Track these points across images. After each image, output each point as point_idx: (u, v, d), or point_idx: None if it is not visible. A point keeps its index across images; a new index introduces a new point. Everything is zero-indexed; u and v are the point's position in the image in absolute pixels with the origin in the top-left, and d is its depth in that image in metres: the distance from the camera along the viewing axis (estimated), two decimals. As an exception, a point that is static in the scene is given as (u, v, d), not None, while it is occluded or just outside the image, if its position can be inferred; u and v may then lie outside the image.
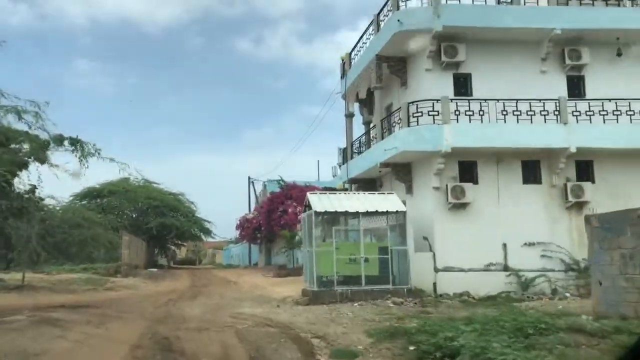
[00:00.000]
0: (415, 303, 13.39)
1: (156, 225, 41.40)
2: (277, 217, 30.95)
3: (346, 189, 21.49)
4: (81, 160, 14.15)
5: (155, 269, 34.58)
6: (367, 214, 14.51)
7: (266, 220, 32.51)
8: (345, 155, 21.65)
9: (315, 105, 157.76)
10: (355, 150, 20.76)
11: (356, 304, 13.17)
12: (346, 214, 14.43)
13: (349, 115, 20.70)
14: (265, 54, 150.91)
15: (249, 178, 48.60)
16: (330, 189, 35.64)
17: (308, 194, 14.95)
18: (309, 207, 14.71)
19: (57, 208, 32.35)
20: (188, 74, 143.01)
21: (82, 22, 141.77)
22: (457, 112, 15.20)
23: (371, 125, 21.22)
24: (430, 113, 15.12)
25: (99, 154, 14.29)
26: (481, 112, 15.20)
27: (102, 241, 30.37)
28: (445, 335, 8.06)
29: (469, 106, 15.24)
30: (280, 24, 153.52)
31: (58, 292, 18.34)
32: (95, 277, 23.25)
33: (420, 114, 15.20)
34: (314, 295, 13.76)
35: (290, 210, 29.95)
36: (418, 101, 15.29)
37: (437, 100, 15.13)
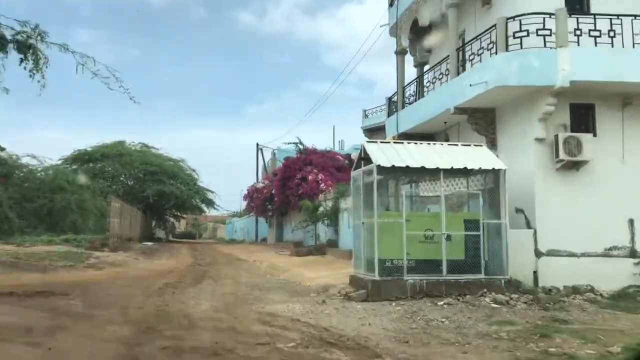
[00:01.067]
0: (527, 303, 9.15)
1: (153, 193, 37.06)
2: (294, 185, 26.64)
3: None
4: (32, 73, 9.73)
5: (150, 243, 30.41)
6: (451, 172, 10.16)
7: (280, 190, 28.20)
8: (391, 105, 17.21)
9: (318, 81, 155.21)
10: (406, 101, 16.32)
11: (441, 303, 8.91)
12: (421, 171, 10.04)
13: (401, 52, 16.14)
14: (269, 27, 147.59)
15: (257, 145, 44.22)
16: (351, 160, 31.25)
17: (364, 142, 10.55)
18: (366, 160, 10.34)
19: (38, 169, 28.18)
20: (190, 47, 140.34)
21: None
22: (577, 33, 10.75)
23: (425, 68, 16.78)
24: (540, 32, 10.66)
25: (41, 37, 9.64)
26: (611, 33, 10.75)
27: (90, 208, 26.17)
28: None
29: (594, 24, 10.77)
30: None
31: (21, 269, 14.14)
32: (77, 250, 19.02)
33: (525, 33, 10.73)
34: (374, 288, 9.49)
35: (310, 177, 25.61)
36: (522, 15, 10.79)
37: (550, 14, 10.65)
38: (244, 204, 37.70)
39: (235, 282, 13.03)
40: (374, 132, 32.04)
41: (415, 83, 16.50)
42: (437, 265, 9.85)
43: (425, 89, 15.84)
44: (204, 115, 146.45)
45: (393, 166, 9.75)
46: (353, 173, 11.13)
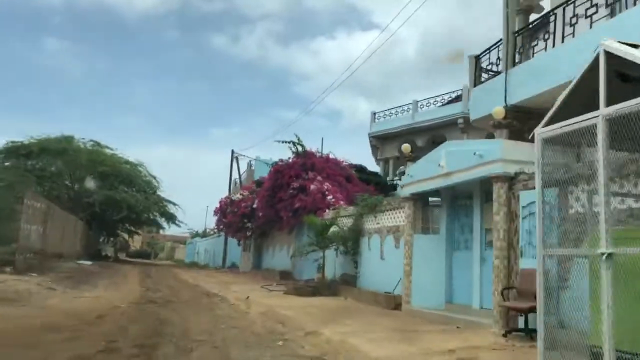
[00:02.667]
0: None
1: (101, 199, 29.73)
2: (287, 197, 19.98)
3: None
4: None
5: (89, 262, 23.01)
6: None
7: (267, 203, 21.44)
8: (479, 68, 11.00)
9: (287, 109, 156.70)
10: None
11: None
12: None
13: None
14: (241, 52, 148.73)
15: (232, 152, 37.37)
16: (362, 171, 24.84)
17: (607, 43, 4.07)
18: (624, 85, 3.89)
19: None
20: (160, 65, 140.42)
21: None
22: None
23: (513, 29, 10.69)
24: None
25: None
26: None
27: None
28: None
29: None
30: (259, 24, 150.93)
31: None
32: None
33: None
34: None
35: (312, 187, 19.00)
36: None
37: None
38: (214, 220, 30.69)
39: (223, 356, 6.28)
40: (387, 140, 25.87)
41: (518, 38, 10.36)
42: None
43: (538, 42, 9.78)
44: (169, 133, 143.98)
45: None
46: (544, 133, 4.61)
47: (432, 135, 23.98)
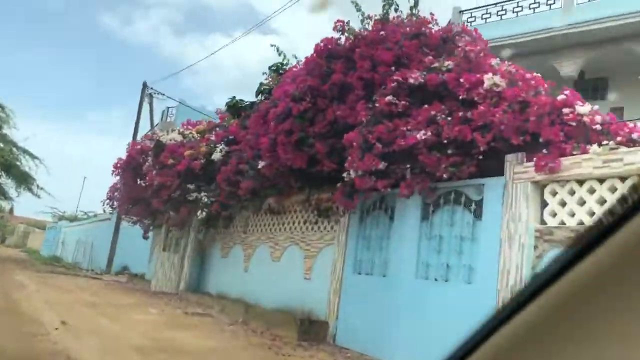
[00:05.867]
0: None
1: None
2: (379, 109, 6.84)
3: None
4: None
5: None
6: None
7: (290, 134, 7.99)
8: None
9: (171, 102, 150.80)
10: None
11: None
12: None
13: None
14: (132, 36, 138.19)
15: (145, 85, 22.76)
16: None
17: None
18: None
19: None
20: (41, 36, 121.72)
21: None
22: None
23: None
24: None
25: None
26: None
27: None
28: None
29: None
30: (153, 11, 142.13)
31: None
32: None
33: None
34: None
35: (487, 82, 6.02)
36: None
37: None
38: (107, 188, 16.10)
39: None
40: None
41: None
42: None
43: None
44: (41, 112, 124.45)
45: None
46: None
47: (596, 54, 12.21)
